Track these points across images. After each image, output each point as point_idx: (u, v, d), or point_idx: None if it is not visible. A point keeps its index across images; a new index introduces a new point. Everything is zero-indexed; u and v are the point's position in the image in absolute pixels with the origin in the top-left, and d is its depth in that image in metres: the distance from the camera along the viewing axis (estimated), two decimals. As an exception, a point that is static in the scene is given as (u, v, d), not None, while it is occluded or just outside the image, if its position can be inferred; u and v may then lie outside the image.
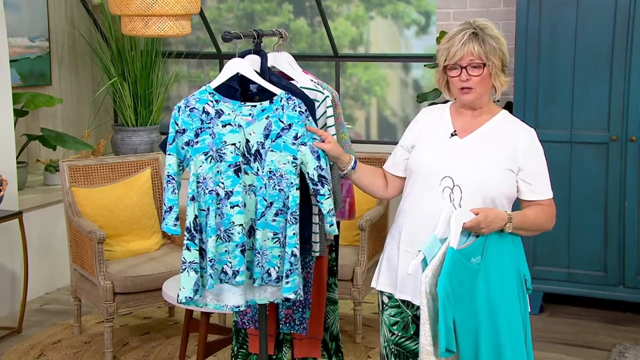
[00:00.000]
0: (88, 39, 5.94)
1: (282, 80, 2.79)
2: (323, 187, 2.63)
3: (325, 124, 2.84)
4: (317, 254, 2.91)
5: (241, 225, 2.62)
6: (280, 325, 3.02)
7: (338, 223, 3.10)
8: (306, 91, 2.80)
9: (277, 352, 3.12)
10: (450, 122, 2.57)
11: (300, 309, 3.00)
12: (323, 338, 3.14)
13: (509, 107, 4.83)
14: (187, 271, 2.61)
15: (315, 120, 2.76)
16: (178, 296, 2.64)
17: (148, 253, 4.33)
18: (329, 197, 2.64)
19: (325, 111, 2.83)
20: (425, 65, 5.26)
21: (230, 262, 2.63)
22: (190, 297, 2.62)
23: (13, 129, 4.76)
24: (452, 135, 2.54)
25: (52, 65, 5.70)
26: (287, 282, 2.63)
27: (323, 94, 2.83)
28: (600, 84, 4.37)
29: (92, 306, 4.21)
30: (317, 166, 2.62)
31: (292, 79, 2.89)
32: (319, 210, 2.85)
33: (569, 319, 4.57)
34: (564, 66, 4.43)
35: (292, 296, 2.64)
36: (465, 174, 2.46)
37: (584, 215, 4.49)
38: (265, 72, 2.74)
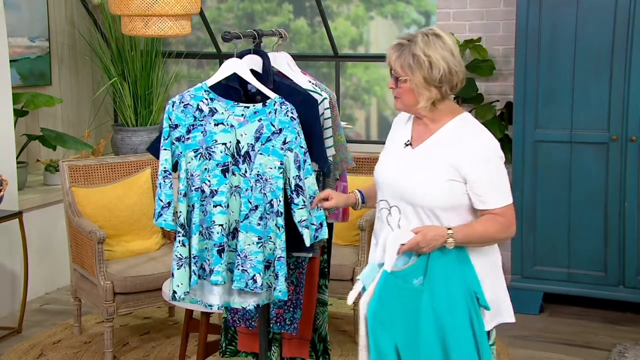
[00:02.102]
0: (88, 39, 5.93)
1: (285, 80, 2.79)
2: (298, 197, 2.62)
3: (323, 125, 2.84)
4: (310, 255, 2.91)
5: (221, 225, 2.62)
6: (271, 325, 3.02)
7: (331, 225, 3.10)
8: (310, 94, 2.79)
9: None
10: (410, 130, 2.50)
11: (291, 309, 3.00)
12: (311, 339, 3.13)
13: (509, 107, 4.83)
14: (184, 267, 2.62)
15: (318, 118, 2.76)
16: (175, 293, 2.63)
17: (148, 253, 4.33)
18: (302, 208, 2.63)
19: (323, 113, 2.83)
20: (425, 65, 5.25)
21: (208, 260, 2.64)
22: (187, 293, 2.63)
23: (13, 129, 4.75)
24: (405, 145, 2.48)
25: (52, 65, 5.69)
26: (286, 286, 2.65)
27: (321, 95, 2.83)
28: (600, 84, 4.36)
29: (92, 306, 4.21)
30: (296, 175, 2.62)
31: (291, 80, 2.88)
32: None
33: (569, 319, 4.57)
34: (564, 66, 4.42)
35: (286, 298, 2.66)
36: (405, 189, 2.41)
37: (584, 215, 4.48)
38: (269, 72, 2.74)
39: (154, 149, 2.72)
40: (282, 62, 2.91)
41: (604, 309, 4.64)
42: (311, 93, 2.81)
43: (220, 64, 6.07)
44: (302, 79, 2.88)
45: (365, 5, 5.79)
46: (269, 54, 2.83)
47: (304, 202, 2.64)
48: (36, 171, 5.57)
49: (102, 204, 4.26)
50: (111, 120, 6.29)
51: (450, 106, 2.45)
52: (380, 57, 5.81)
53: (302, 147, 2.63)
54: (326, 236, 2.74)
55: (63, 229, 4.86)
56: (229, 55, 2.79)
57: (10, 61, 4.83)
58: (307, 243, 2.67)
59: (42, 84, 5.60)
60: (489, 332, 2.46)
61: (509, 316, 2.52)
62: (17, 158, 4.89)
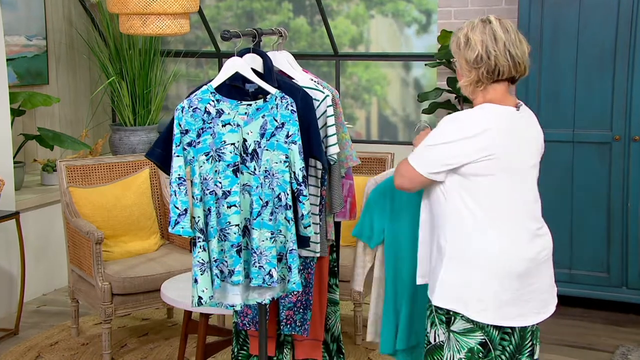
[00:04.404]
0: (86, 37, 5.91)
1: (284, 77, 2.78)
2: (306, 188, 2.65)
3: (326, 123, 2.84)
4: (318, 254, 2.90)
5: (237, 225, 2.63)
6: (281, 327, 3.01)
7: (338, 223, 3.08)
8: (306, 90, 2.77)
9: (278, 353, 3.11)
10: None
11: (301, 310, 2.99)
12: (324, 339, 3.12)
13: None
14: (206, 272, 2.61)
15: (316, 116, 2.75)
16: (201, 298, 2.62)
17: (146, 254, 4.30)
18: (309, 199, 2.68)
19: (326, 110, 2.83)
20: (426, 64, 5.22)
21: (226, 262, 2.65)
22: (212, 297, 2.64)
23: (10, 128, 4.72)
24: None
25: (49, 64, 5.66)
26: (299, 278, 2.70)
27: (323, 93, 2.83)
28: (603, 83, 4.33)
29: (89, 307, 4.18)
30: (302, 167, 2.63)
31: (292, 78, 2.87)
32: (320, 209, 2.83)
33: (571, 320, 4.54)
34: (566, 65, 4.39)
35: (300, 289, 2.73)
36: None
37: (587, 216, 4.45)
38: (271, 71, 2.73)
39: (155, 154, 2.69)
40: (283, 60, 2.91)
41: (607, 310, 4.62)
42: (314, 91, 2.81)
43: (219, 63, 6.07)
44: (303, 77, 2.87)
45: (366, 4, 5.76)
46: (269, 53, 2.82)
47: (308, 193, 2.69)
48: (33, 171, 5.54)
49: (100, 204, 4.23)
50: (109, 119, 6.26)
51: (493, 93, 2.45)
52: (381, 56, 5.80)
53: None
54: (312, 233, 2.76)
55: (60, 230, 4.83)
56: (228, 54, 2.79)
57: (7, 60, 4.80)
58: (313, 232, 2.74)
59: (39, 83, 5.57)
60: (444, 310, 2.48)
61: (470, 311, 2.43)
62: (14, 158, 4.86)
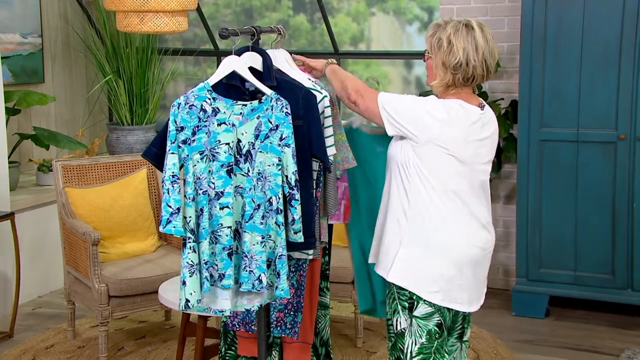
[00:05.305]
0: (82, 35, 5.87)
1: (284, 76, 2.77)
2: (298, 192, 2.62)
3: (323, 124, 2.81)
4: (311, 257, 2.89)
5: (229, 227, 2.59)
6: (271, 329, 2.99)
7: (331, 226, 3.05)
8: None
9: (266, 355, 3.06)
10: None
11: (292, 313, 2.97)
12: (313, 343, 3.09)
13: (514, 105, 4.75)
14: (195, 274, 2.56)
15: (318, 115, 2.73)
16: (188, 301, 2.56)
17: (144, 255, 4.26)
18: (301, 204, 2.65)
19: (323, 111, 2.82)
20: (427, 63, 5.17)
21: (217, 265, 2.60)
22: (199, 300, 2.59)
23: (5, 127, 4.69)
24: None
25: (45, 62, 5.63)
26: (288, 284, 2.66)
27: (321, 93, 2.83)
28: (607, 82, 4.29)
29: (86, 310, 4.16)
30: (295, 170, 2.60)
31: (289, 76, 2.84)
32: (314, 211, 2.79)
33: (576, 323, 4.51)
34: (570, 63, 4.35)
35: (288, 296, 2.68)
36: None
37: (591, 217, 4.41)
38: (270, 69, 2.71)
39: (151, 154, 2.65)
40: (281, 59, 2.90)
41: (612, 312, 4.58)
42: (311, 91, 2.76)
43: (217, 61, 6.02)
44: (301, 77, 2.85)
45: (367, 1, 5.73)
46: (267, 51, 2.78)
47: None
48: (29, 171, 5.52)
49: (96, 205, 4.19)
50: (106, 118, 6.23)
51: (462, 94, 2.59)
52: (382, 54, 5.75)
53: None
54: (302, 239, 2.70)
55: (56, 231, 4.79)
56: (226, 53, 2.76)
57: (2, 58, 4.78)
58: (302, 238, 2.70)
59: (35, 82, 5.54)
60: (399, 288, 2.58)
61: (421, 291, 2.55)
62: (9, 158, 4.83)
